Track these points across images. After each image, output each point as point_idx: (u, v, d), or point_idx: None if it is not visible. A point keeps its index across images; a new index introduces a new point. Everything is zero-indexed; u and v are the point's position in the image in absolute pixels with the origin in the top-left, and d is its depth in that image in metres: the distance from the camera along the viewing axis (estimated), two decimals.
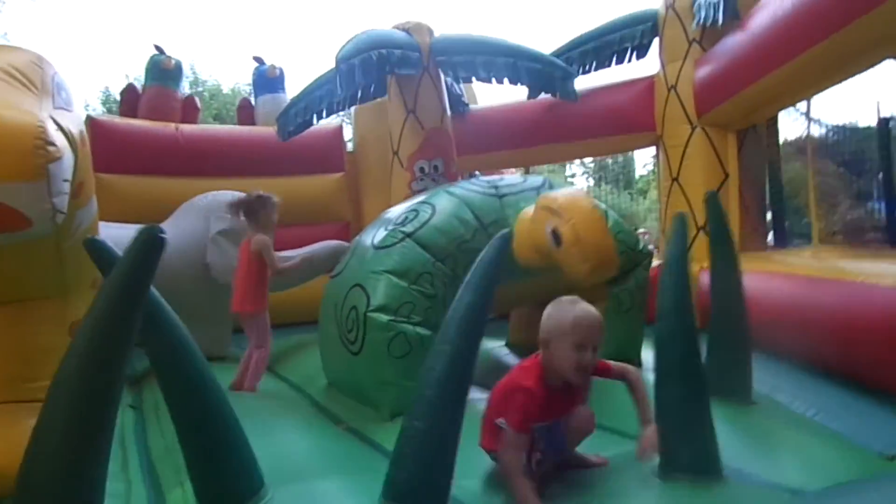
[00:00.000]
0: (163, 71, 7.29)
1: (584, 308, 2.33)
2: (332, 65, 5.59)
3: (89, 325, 1.62)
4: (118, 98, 7.64)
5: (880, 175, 7.05)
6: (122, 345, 1.64)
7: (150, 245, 1.61)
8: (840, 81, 4.31)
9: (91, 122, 6.49)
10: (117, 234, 4.31)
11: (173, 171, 6.57)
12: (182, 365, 2.02)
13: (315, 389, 4.12)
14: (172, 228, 5.03)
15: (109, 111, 20.42)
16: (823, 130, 6.11)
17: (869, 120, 6.82)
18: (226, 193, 5.42)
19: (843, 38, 3.59)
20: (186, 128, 6.98)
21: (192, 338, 2.07)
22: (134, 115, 7.03)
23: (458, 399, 1.92)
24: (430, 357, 1.91)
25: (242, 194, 5.29)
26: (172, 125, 6.90)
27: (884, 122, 6.79)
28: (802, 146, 6.22)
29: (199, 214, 5.21)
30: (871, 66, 4.03)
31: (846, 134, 6.85)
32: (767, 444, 2.82)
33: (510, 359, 4.66)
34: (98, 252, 2.00)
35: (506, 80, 5.81)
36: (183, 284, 4.77)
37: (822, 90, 4.59)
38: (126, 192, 6.19)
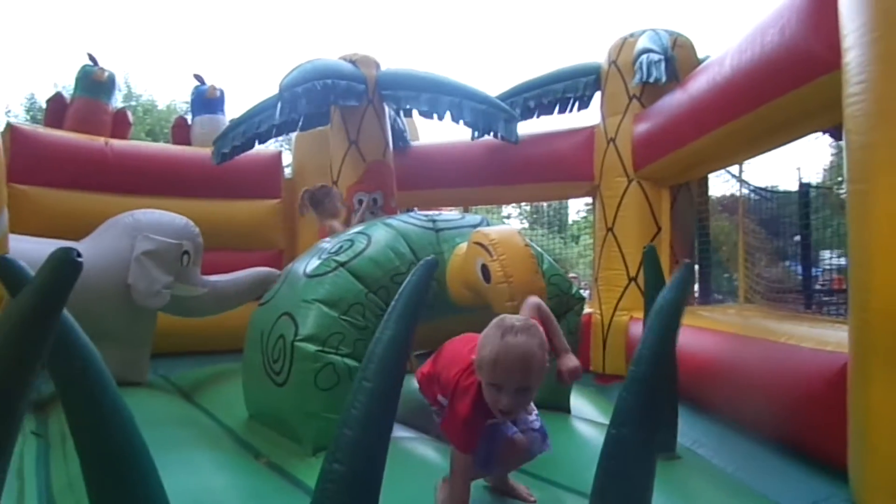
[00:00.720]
0: (94, 82, 7.03)
1: (512, 343, 2.11)
2: (276, 90, 5.52)
3: None
4: (43, 106, 7.32)
5: (797, 238, 7.43)
6: (26, 374, 1.49)
7: (63, 268, 1.47)
8: (772, 149, 4.53)
9: (12, 129, 6.20)
10: (32, 250, 4.12)
11: (100, 186, 6.32)
12: (90, 391, 1.85)
13: (235, 421, 3.93)
14: (94, 246, 4.80)
15: (34, 119, 19.62)
16: (747, 191, 6.38)
17: (790, 184, 7.21)
18: (154, 212, 5.23)
19: (776, 109, 3.77)
20: (116, 143, 6.74)
21: (103, 362, 1.92)
22: (60, 126, 6.73)
23: (380, 439, 1.82)
24: (350, 394, 1.82)
25: (176, 215, 5.13)
26: (101, 139, 6.65)
27: (804, 188, 7.18)
28: (727, 204, 6.49)
29: (123, 233, 4.98)
30: (801, 136, 4.26)
31: (769, 196, 7.20)
32: (689, 499, 2.83)
33: None
34: (7, 271, 1.83)
35: (448, 117, 5.85)
36: (101, 305, 4.53)
37: (754, 155, 4.80)
38: (47, 205, 5.91)
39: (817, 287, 7.89)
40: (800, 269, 7.43)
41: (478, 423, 2.24)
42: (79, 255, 1.47)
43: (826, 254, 7.46)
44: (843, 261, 7.46)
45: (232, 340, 5.62)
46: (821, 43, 3.16)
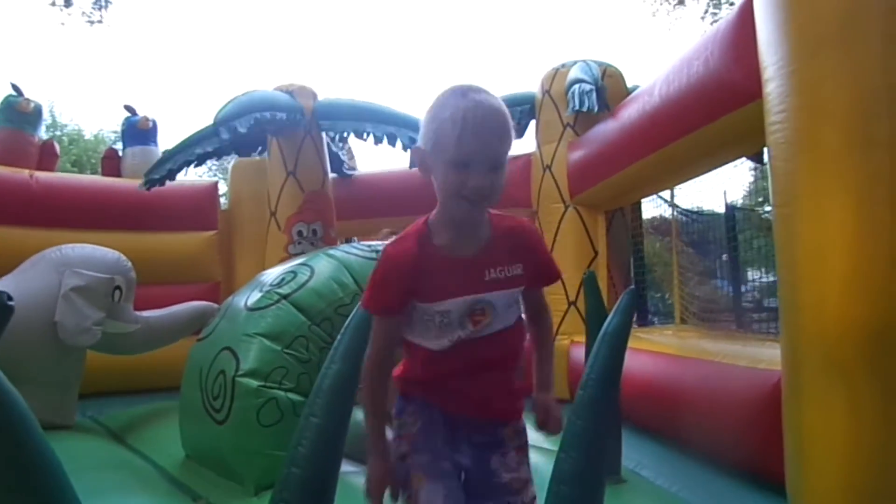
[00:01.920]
0: (19, 113, 6.78)
1: (479, 100, 1.53)
2: (209, 120, 5.45)
3: None
4: None
5: (724, 257, 7.72)
6: None
7: None
8: (700, 174, 4.71)
9: None
10: None
11: (25, 220, 6.04)
12: (14, 440, 1.76)
13: (171, 462, 3.79)
14: (18, 283, 4.59)
15: None
16: (677, 214, 6.61)
17: (715, 205, 7.50)
18: (84, 247, 5.04)
19: (703, 136, 3.94)
20: (43, 175, 6.48)
21: (28, 406, 1.82)
22: None
23: (329, 477, 1.79)
24: (297, 431, 1.78)
25: (108, 249, 4.96)
26: (26, 171, 6.39)
27: (730, 209, 7.47)
28: (658, 226, 6.70)
29: (50, 268, 4.78)
30: (726, 162, 4.45)
31: (697, 217, 7.47)
32: None
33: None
34: None
35: (385, 142, 5.86)
36: (25, 346, 4.30)
37: (685, 180, 4.98)
38: None
39: (745, 304, 8.18)
40: (728, 287, 7.71)
41: (415, 257, 1.63)
42: (9, 298, 1.41)
43: (751, 272, 7.77)
44: (770, 277, 7.81)
45: (165, 378, 5.45)
46: (742, 74, 3.31)
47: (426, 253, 1.63)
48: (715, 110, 3.65)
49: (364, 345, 1.85)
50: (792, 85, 2.48)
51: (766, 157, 5.22)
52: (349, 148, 7.38)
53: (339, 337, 1.84)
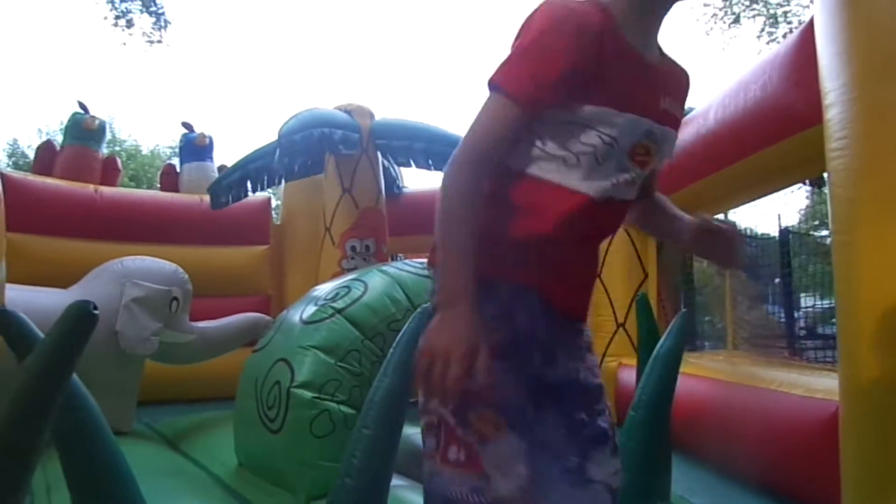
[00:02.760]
0: (84, 130, 7.08)
1: None
2: (264, 139, 5.62)
3: (6, 410, 1.46)
4: (26, 152, 7.34)
5: (777, 281, 7.55)
6: (39, 433, 1.49)
7: (80, 322, 1.49)
8: (757, 198, 4.65)
9: (3, 177, 6.20)
10: (22, 298, 4.09)
11: (89, 233, 6.33)
12: (91, 445, 1.84)
13: (224, 470, 3.87)
14: (82, 293, 4.78)
15: (16, 165, 19.51)
16: None
17: (767, 227, 7.36)
18: (143, 259, 5.23)
19: (759, 161, 3.90)
20: (106, 190, 6.76)
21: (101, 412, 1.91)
22: (49, 173, 6.75)
23: (380, 488, 1.84)
24: (350, 443, 1.83)
25: (165, 262, 5.12)
26: (91, 186, 6.67)
27: (784, 233, 7.33)
28: None
29: (112, 279, 4.97)
30: (786, 186, 4.39)
31: (750, 241, 7.34)
32: None
33: None
34: (9, 324, 1.81)
35: (443, 169, 5.93)
36: (89, 353, 4.41)
37: (739, 204, 4.92)
38: (35, 252, 5.89)
39: (799, 331, 7.98)
40: (780, 312, 7.54)
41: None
42: (95, 307, 1.49)
43: (805, 297, 7.59)
44: (824, 303, 7.61)
45: (218, 388, 5.60)
46: (801, 99, 3.28)
47: (613, 35, 1.16)
48: (772, 135, 3.62)
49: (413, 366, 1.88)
50: (854, 111, 2.46)
51: (826, 182, 5.18)
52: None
53: (391, 350, 1.89)
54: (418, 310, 2.05)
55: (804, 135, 3.31)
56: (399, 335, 1.95)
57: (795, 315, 7.64)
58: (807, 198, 8.51)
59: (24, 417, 1.47)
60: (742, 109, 3.87)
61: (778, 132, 3.57)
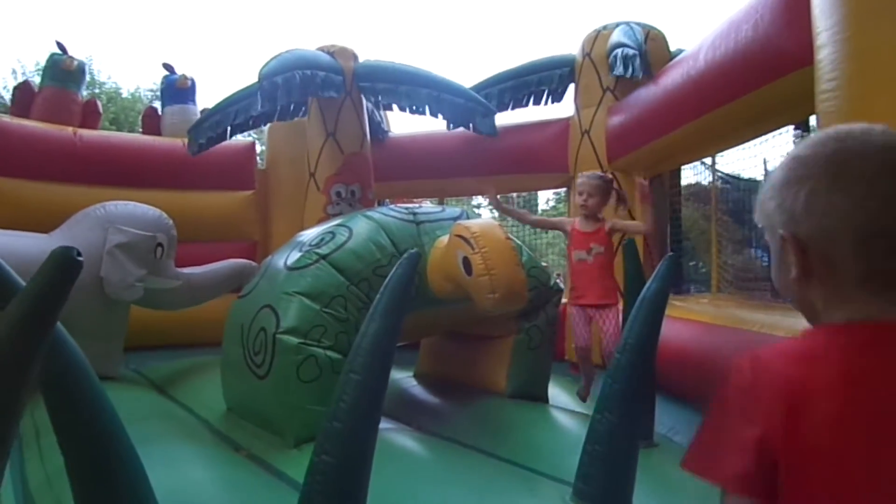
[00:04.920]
0: (63, 71, 6.87)
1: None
2: (247, 80, 5.48)
3: None
4: (1, 93, 7.13)
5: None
6: (25, 380, 1.46)
7: (64, 269, 1.46)
8: (743, 141, 4.61)
9: None
10: (2, 243, 4.04)
11: (69, 177, 6.19)
12: (76, 389, 1.84)
13: (212, 414, 3.92)
14: (64, 238, 4.71)
15: None
16: (717, 181, 6.47)
17: (753, 173, 7.34)
18: (126, 204, 5.15)
19: (749, 103, 3.85)
20: (86, 133, 6.60)
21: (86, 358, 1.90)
22: (27, 115, 6.57)
23: (369, 431, 1.85)
24: (338, 387, 1.83)
25: (149, 207, 5.06)
26: (71, 129, 6.51)
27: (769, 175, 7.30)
28: (696, 193, 6.58)
29: (95, 225, 4.90)
30: (771, 130, 4.34)
31: (736, 185, 7.33)
32: (668, 486, 2.90)
33: (417, 390, 4.62)
34: None
35: (427, 111, 5.85)
36: (73, 299, 4.41)
37: (725, 148, 4.88)
38: (15, 196, 5.79)
39: None
40: (764, 256, 7.58)
41: None
42: (79, 253, 1.46)
43: None
44: None
45: (204, 334, 5.59)
46: (793, 39, 3.23)
47: None
48: (763, 76, 3.56)
49: (403, 305, 1.88)
50: (846, 52, 2.42)
51: (813, 126, 5.13)
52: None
53: (378, 295, 1.88)
54: (405, 255, 2.03)
55: (795, 76, 3.26)
56: (386, 280, 1.93)
57: None
58: (794, 142, 8.45)
59: (6, 368, 1.45)
60: (733, 50, 3.80)
61: (769, 73, 3.51)
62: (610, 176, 4.36)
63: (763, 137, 4.66)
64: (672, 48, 5.97)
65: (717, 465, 0.89)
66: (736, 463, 0.85)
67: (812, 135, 1.04)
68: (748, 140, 4.57)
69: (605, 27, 6.07)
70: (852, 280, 0.88)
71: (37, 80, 7.50)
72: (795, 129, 5.17)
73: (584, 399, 4.29)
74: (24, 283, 1.60)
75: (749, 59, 3.66)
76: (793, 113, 3.92)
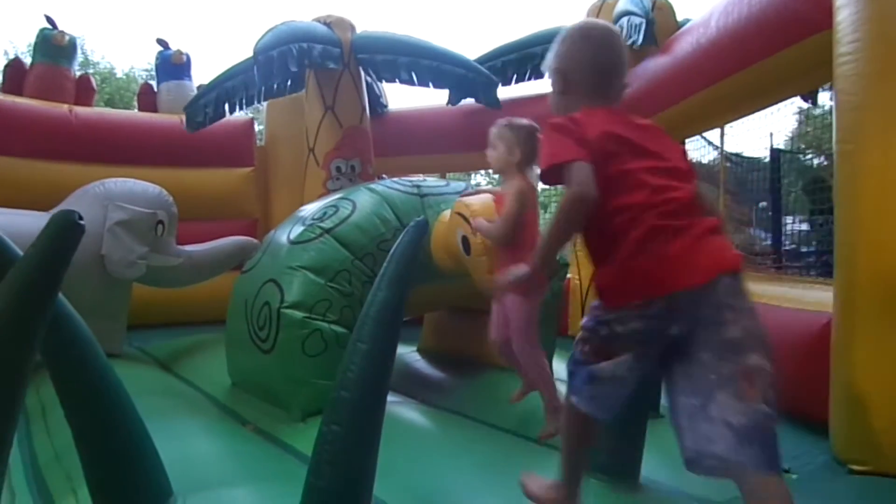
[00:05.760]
0: (54, 47, 6.75)
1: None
2: (243, 54, 5.38)
3: None
4: None
5: (763, 204, 7.53)
6: (30, 348, 1.43)
7: (66, 232, 1.43)
8: (754, 111, 4.54)
9: None
10: (1, 221, 3.98)
11: (65, 156, 6.13)
12: (82, 362, 1.81)
13: (218, 389, 3.89)
14: None
15: None
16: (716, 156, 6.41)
17: (753, 150, 7.28)
18: (126, 181, 5.09)
19: (763, 70, 3.78)
20: (81, 110, 6.52)
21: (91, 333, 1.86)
22: (19, 93, 6.47)
23: (378, 399, 1.81)
24: (345, 357, 1.79)
25: (149, 184, 4.98)
26: (65, 106, 6.42)
27: (775, 154, 7.26)
28: (700, 170, 6.51)
29: (94, 202, 4.83)
30: (782, 100, 4.27)
31: (742, 162, 7.27)
32: (674, 456, 2.88)
33: (421, 364, 4.59)
34: None
35: (429, 84, 5.75)
36: (75, 276, 4.35)
37: (735, 118, 4.81)
38: (11, 175, 5.73)
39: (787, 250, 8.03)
40: (764, 235, 7.54)
41: None
42: (80, 217, 1.42)
43: (789, 219, 7.59)
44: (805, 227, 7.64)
45: (207, 311, 5.58)
46: (809, 2, 3.15)
47: None
48: (778, 42, 3.48)
49: (409, 273, 1.84)
50: (867, 13, 2.35)
51: (819, 102, 5.07)
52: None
53: (385, 265, 1.84)
54: (411, 223, 1.98)
55: (811, 41, 3.19)
56: (392, 249, 1.89)
57: (783, 236, 7.66)
58: (797, 119, 8.41)
59: (10, 334, 1.41)
60: (746, 16, 3.71)
61: (784, 39, 3.43)
62: (523, 122, 3.13)
63: (765, 114, 4.58)
64: (679, 18, 5.86)
65: (567, 152, 1.66)
66: (580, 150, 1.65)
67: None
68: (760, 109, 4.50)
69: None
70: (586, 91, 1.82)
71: (28, 58, 7.38)
72: (804, 99, 5.10)
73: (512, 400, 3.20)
74: (21, 255, 1.57)
75: (764, 25, 3.58)
76: (806, 80, 3.85)
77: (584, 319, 1.86)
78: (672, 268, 1.60)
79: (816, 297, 3.15)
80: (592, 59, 1.81)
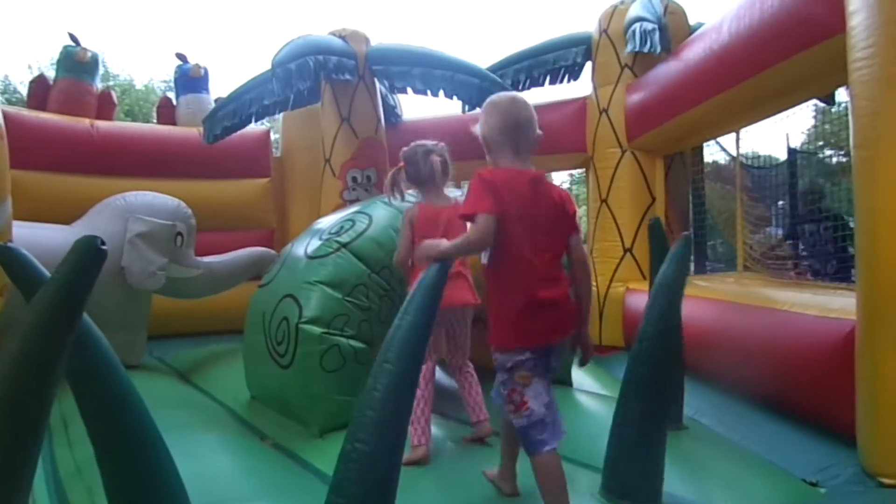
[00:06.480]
0: (77, 63, 6.86)
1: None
2: (260, 68, 5.43)
3: (17, 346, 1.43)
4: (18, 88, 7.11)
5: (781, 203, 7.43)
6: (54, 369, 1.47)
7: (89, 258, 1.46)
8: (768, 116, 4.49)
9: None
10: (25, 235, 4.04)
11: (87, 169, 6.22)
12: (103, 377, 1.84)
13: (236, 403, 3.92)
14: (86, 229, 4.73)
15: (9, 101, 19.19)
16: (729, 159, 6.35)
17: (770, 150, 7.19)
18: (145, 194, 5.16)
19: (776, 75, 3.73)
20: (102, 124, 6.61)
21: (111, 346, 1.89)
22: (43, 108, 6.58)
23: (401, 420, 1.85)
24: (371, 377, 1.83)
25: (168, 196, 5.04)
26: (87, 121, 6.52)
27: (792, 154, 7.16)
28: (715, 171, 6.45)
29: (115, 215, 4.92)
30: (798, 103, 4.22)
31: (756, 162, 7.18)
32: (698, 470, 2.86)
33: (439, 375, 4.57)
34: (13, 261, 1.77)
35: (441, 94, 5.77)
36: (96, 288, 4.44)
37: (750, 123, 4.76)
38: (34, 189, 5.79)
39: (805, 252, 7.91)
40: (781, 231, 7.43)
41: None
42: (103, 242, 1.45)
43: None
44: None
45: (225, 321, 5.63)
46: (823, 6, 3.12)
47: None
48: (791, 47, 3.44)
49: (437, 301, 1.92)
50: (882, 17, 2.33)
51: (837, 99, 5.00)
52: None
53: (412, 291, 1.90)
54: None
55: (824, 45, 3.15)
56: (421, 277, 1.93)
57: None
58: (813, 117, 8.28)
59: (37, 355, 1.45)
60: (759, 21, 3.67)
61: (797, 44, 3.38)
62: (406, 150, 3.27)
63: (784, 114, 4.53)
64: (691, 22, 5.83)
65: (480, 205, 2.09)
66: (489, 204, 2.09)
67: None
68: (773, 114, 4.44)
69: (622, 2, 5.94)
70: (503, 151, 2.26)
71: (51, 74, 7.50)
72: (821, 101, 5.04)
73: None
74: (48, 274, 1.60)
75: (776, 29, 3.54)
76: (821, 85, 3.80)
77: None
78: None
79: (841, 304, 3.11)
80: (501, 124, 2.27)
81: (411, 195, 3.41)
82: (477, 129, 2.35)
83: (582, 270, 2.30)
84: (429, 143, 3.20)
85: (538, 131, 2.31)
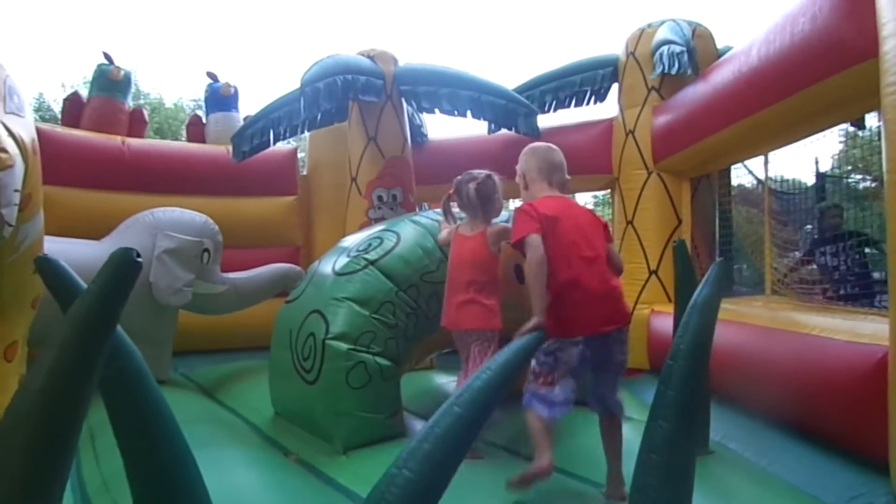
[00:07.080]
0: (110, 81, 7.01)
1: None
2: (288, 87, 5.49)
3: (54, 356, 1.45)
4: (52, 106, 7.28)
5: (808, 228, 7.33)
6: (88, 380, 1.49)
7: (125, 270, 1.48)
8: (797, 140, 4.45)
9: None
10: (57, 250, 4.11)
11: (118, 185, 6.33)
12: (135, 389, 1.86)
13: (261, 419, 3.93)
14: (115, 244, 4.75)
15: (43, 119, 19.62)
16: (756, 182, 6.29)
17: (797, 173, 7.12)
18: (174, 210, 5.24)
19: (806, 99, 3.70)
20: (133, 141, 6.74)
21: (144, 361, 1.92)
22: (77, 125, 6.73)
23: (451, 461, 1.85)
24: (437, 414, 1.85)
25: (196, 213, 5.10)
26: (119, 138, 6.65)
27: (821, 178, 7.08)
28: (743, 195, 6.39)
29: (143, 231, 5.00)
30: (828, 128, 4.18)
31: (785, 186, 7.11)
32: (725, 495, 2.80)
33: None
34: (51, 273, 1.81)
35: (468, 114, 5.81)
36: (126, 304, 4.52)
37: (778, 147, 4.72)
38: (66, 204, 5.90)
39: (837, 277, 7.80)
40: (826, 260, 7.32)
41: None
42: (138, 255, 1.48)
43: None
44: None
45: (251, 338, 5.66)
46: (854, 31, 3.10)
47: None
48: (822, 71, 3.42)
49: (520, 366, 2.11)
50: None
51: (867, 123, 4.94)
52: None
53: (503, 351, 2.08)
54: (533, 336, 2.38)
55: (856, 70, 3.13)
56: (513, 341, 2.15)
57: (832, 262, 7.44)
58: (842, 142, 8.21)
59: (72, 366, 1.47)
60: (789, 45, 3.66)
61: (828, 68, 3.36)
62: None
63: (812, 138, 4.49)
64: (719, 46, 5.83)
65: (525, 229, 2.67)
66: (533, 227, 2.68)
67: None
68: (802, 138, 4.41)
69: (649, 25, 5.96)
70: (539, 185, 2.93)
71: (84, 92, 7.67)
72: (852, 125, 4.99)
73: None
74: (85, 286, 1.63)
75: (807, 53, 3.52)
76: (851, 108, 3.77)
77: None
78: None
79: (872, 330, 3.05)
80: (538, 166, 2.93)
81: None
82: (518, 168, 2.99)
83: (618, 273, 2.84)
84: (476, 172, 3.45)
85: (567, 176, 2.97)
